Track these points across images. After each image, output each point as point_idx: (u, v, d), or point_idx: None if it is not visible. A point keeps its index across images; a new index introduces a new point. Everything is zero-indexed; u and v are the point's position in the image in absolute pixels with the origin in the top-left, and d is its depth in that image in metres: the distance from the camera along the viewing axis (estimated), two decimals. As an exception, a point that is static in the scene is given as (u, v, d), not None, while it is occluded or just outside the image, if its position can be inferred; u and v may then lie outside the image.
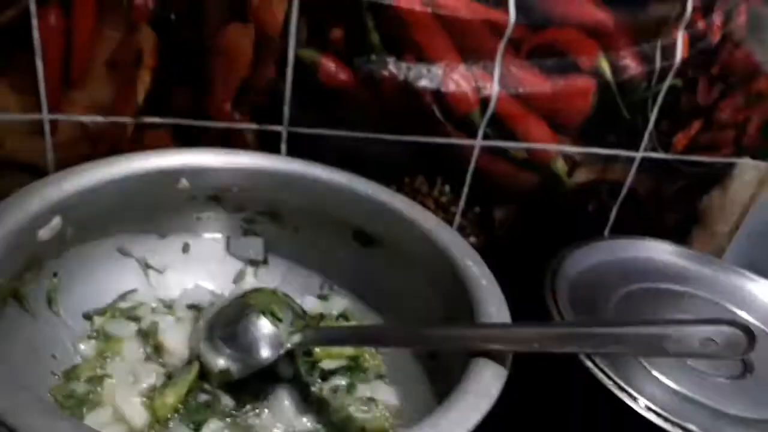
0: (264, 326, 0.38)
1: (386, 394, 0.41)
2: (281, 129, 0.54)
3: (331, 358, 0.42)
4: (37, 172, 0.49)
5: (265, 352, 0.38)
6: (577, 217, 0.68)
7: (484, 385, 0.30)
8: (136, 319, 0.41)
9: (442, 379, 0.39)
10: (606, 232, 0.71)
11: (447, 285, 0.41)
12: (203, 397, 0.37)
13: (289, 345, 0.38)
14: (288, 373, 0.40)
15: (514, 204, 0.65)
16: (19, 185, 0.42)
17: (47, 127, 0.48)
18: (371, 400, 0.39)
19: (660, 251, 0.64)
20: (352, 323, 0.46)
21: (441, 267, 0.42)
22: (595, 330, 0.31)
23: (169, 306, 0.44)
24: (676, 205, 0.71)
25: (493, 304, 0.36)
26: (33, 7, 0.44)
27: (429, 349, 0.40)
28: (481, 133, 0.59)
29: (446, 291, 0.42)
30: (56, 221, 0.36)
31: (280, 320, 0.39)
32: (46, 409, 0.24)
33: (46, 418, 0.23)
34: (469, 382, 0.30)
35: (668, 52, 0.60)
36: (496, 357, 0.33)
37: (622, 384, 0.42)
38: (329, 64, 0.52)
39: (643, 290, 0.59)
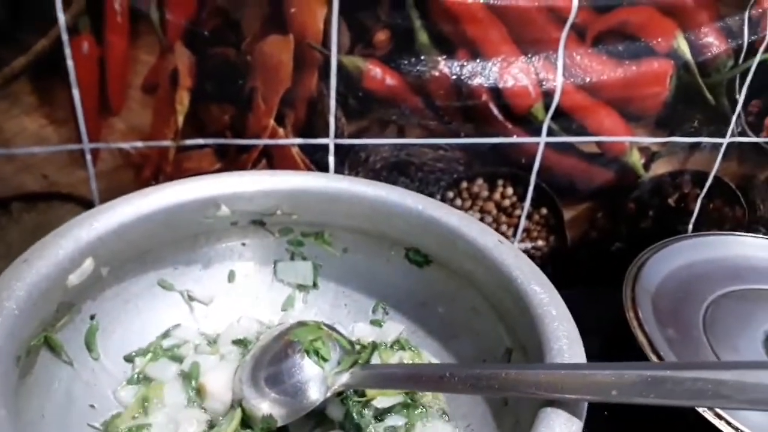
0: (308, 368, 0.35)
1: (447, 433, 0.37)
2: (328, 141, 0.51)
3: (385, 395, 0.38)
4: (82, 202, 0.48)
5: (311, 395, 0.35)
6: (656, 214, 0.63)
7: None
8: (178, 359, 0.39)
9: (510, 422, 0.35)
10: (690, 229, 0.64)
11: (511, 312, 0.37)
12: (246, 446, 0.34)
13: (336, 387, 0.35)
14: (338, 415, 0.37)
15: (586, 203, 0.60)
16: (64, 216, 0.42)
17: (89, 157, 0.47)
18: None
19: (754, 248, 0.58)
20: (408, 354, 0.42)
21: (504, 292, 0.37)
22: (693, 374, 0.26)
23: (213, 341, 0.42)
24: (771, 195, 0.64)
25: (564, 339, 0.32)
26: (65, 36, 0.43)
27: (489, 395, 0.36)
28: (545, 128, 0.54)
29: (511, 319, 0.38)
30: (88, 264, 0.35)
31: (325, 360, 0.36)
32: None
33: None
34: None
35: (756, 24, 0.54)
36: (568, 407, 0.28)
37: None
38: (375, 70, 0.49)
39: (737, 294, 0.54)
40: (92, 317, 0.37)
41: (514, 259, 0.38)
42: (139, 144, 0.48)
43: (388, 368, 0.37)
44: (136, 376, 0.38)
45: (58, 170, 0.47)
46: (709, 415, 0.38)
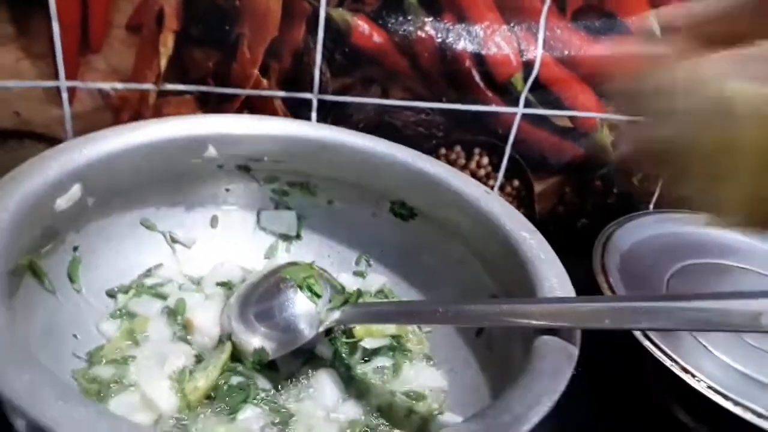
0: (301, 302, 0.35)
1: (432, 377, 0.38)
2: (311, 96, 0.51)
3: (372, 336, 0.38)
4: (55, 142, 0.46)
5: (303, 330, 0.35)
6: (621, 191, 0.65)
7: (556, 366, 0.27)
8: (162, 296, 0.38)
9: (494, 362, 0.35)
10: (651, 207, 0.67)
11: (498, 259, 0.38)
12: (237, 380, 0.34)
13: (328, 322, 0.35)
14: (327, 354, 0.37)
15: (555, 177, 0.61)
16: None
17: (65, 95, 0.45)
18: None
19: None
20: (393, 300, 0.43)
21: (491, 240, 0.38)
22: (672, 305, 0.28)
23: (197, 283, 0.41)
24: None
25: (556, 279, 0.33)
26: (48, -35, 0.41)
27: (484, 326, 0.36)
28: (522, 99, 0.55)
29: (497, 266, 0.38)
30: (75, 190, 0.33)
31: (318, 296, 0.35)
32: (66, 393, 0.21)
33: (66, 404, 0.21)
34: (539, 363, 0.27)
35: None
36: (564, 335, 0.29)
37: (684, 364, 0.39)
38: (363, 26, 0.49)
39: (696, 266, 0.56)
40: (75, 249, 0.36)
41: (500, 207, 0.39)
42: (119, 85, 0.46)
43: (379, 305, 0.37)
44: (119, 311, 0.37)
45: (32, 107, 0.45)
46: (647, 344, 0.40)
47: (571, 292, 0.33)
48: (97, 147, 0.35)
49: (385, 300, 0.41)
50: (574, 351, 0.28)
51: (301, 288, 0.35)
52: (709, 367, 0.41)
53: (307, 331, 0.35)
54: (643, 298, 0.29)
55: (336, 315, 0.35)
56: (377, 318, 0.35)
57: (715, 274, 0.56)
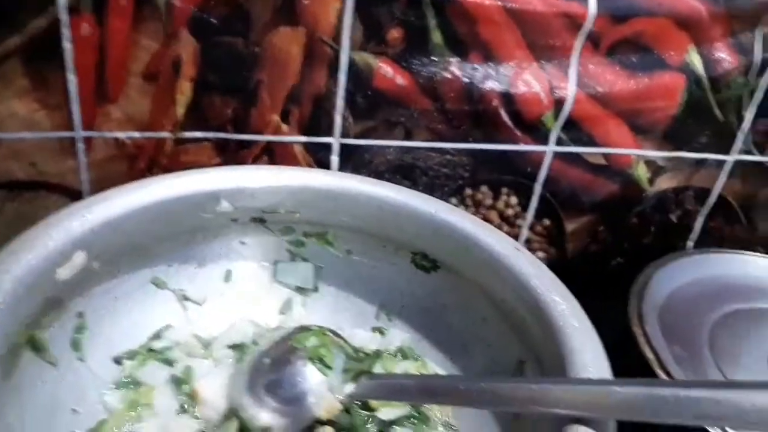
0: (312, 376, 0.33)
1: (455, 451, 0.35)
2: (332, 141, 0.49)
3: (390, 406, 0.36)
4: (70, 193, 0.46)
5: (313, 406, 0.33)
6: (658, 230, 0.62)
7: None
8: (169, 362, 0.37)
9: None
10: (691, 245, 0.64)
11: (527, 323, 0.35)
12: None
13: (341, 398, 0.33)
14: (346, 423, 0.34)
15: (588, 215, 0.59)
16: (50, 207, 0.39)
17: (80, 145, 0.44)
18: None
19: (757, 267, 0.57)
20: (413, 364, 0.40)
21: (520, 302, 0.36)
22: (731, 395, 0.24)
23: (207, 345, 0.39)
24: (774, 215, 0.64)
25: (590, 353, 0.30)
26: (64, 16, 0.40)
27: (510, 411, 0.34)
28: (554, 137, 0.53)
29: (526, 330, 0.36)
30: (79, 257, 0.32)
31: (330, 368, 0.33)
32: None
33: None
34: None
35: (768, 42, 0.53)
36: (596, 425, 0.27)
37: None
38: (386, 68, 0.47)
39: (741, 312, 0.53)
40: (80, 315, 0.35)
41: (532, 267, 0.36)
42: (136, 134, 0.45)
43: (397, 379, 0.35)
44: (124, 379, 0.36)
45: (47, 158, 0.44)
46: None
47: (605, 368, 0.30)
48: (102, 211, 0.33)
49: (403, 374, 0.39)
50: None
51: (311, 360, 0.33)
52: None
53: (318, 408, 0.33)
54: (690, 385, 0.26)
55: (350, 389, 0.33)
56: (394, 395, 0.33)
57: (761, 320, 0.53)
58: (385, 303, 0.44)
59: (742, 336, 0.50)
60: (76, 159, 0.45)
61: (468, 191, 0.55)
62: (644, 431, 0.29)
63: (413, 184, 0.53)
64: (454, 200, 0.55)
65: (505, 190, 0.56)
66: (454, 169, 0.53)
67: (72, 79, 0.42)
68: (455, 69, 0.48)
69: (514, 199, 0.57)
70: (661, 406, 0.25)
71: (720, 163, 0.59)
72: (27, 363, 0.30)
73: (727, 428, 0.34)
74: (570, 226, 0.59)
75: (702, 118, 0.56)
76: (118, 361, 0.37)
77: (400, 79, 0.48)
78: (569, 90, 0.51)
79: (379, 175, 0.51)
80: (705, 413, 0.25)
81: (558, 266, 0.60)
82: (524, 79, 0.50)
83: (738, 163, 0.59)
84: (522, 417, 0.34)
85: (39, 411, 0.30)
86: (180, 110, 0.45)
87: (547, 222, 0.59)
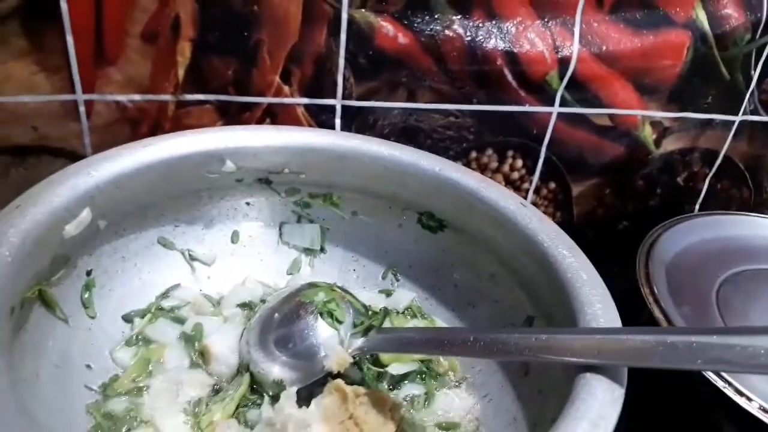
0: (323, 330, 0.33)
1: (465, 405, 0.35)
2: (335, 102, 0.48)
3: (400, 361, 0.36)
4: (73, 157, 0.45)
5: (325, 360, 0.33)
6: (664, 192, 0.61)
7: (600, 411, 0.24)
8: (179, 320, 0.37)
9: (531, 392, 0.33)
10: (697, 209, 0.63)
11: (535, 279, 0.35)
12: (255, 413, 0.32)
13: (351, 351, 0.33)
14: (357, 377, 0.35)
15: (594, 178, 0.58)
16: (54, 171, 0.39)
17: (82, 109, 0.44)
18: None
19: (763, 228, 0.57)
20: (421, 322, 0.40)
21: (528, 258, 0.35)
22: (736, 340, 0.24)
23: (216, 303, 0.39)
24: (782, 175, 0.63)
25: (599, 304, 0.30)
26: (60, -23, 0.40)
27: (520, 360, 0.34)
28: (558, 98, 0.52)
29: (535, 286, 0.35)
30: (85, 214, 0.32)
31: (340, 322, 0.33)
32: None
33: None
34: (581, 407, 0.24)
35: (776, -3, 0.53)
36: (608, 372, 0.26)
37: (738, 385, 0.37)
38: (387, 27, 0.46)
39: (748, 273, 0.53)
40: (89, 273, 0.35)
41: (538, 222, 0.36)
42: (137, 97, 0.45)
43: (407, 332, 0.35)
44: (134, 337, 0.36)
45: (49, 122, 0.44)
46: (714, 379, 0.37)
47: (615, 319, 0.30)
48: (107, 169, 0.33)
49: (412, 327, 0.38)
50: (620, 393, 0.26)
51: (321, 314, 0.33)
52: (764, 387, 0.38)
53: (329, 361, 0.33)
54: (700, 332, 0.26)
55: (360, 342, 0.33)
56: (404, 347, 0.33)
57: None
58: (393, 263, 0.44)
59: (749, 296, 0.50)
60: (79, 123, 0.44)
61: (473, 154, 0.54)
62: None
63: (418, 146, 0.52)
64: (459, 163, 0.54)
65: (510, 152, 0.55)
66: (459, 131, 0.53)
67: (70, 41, 0.41)
68: (458, 27, 0.48)
69: (519, 162, 0.56)
70: (671, 352, 0.25)
71: (727, 124, 0.58)
72: (39, 318, 0.30)
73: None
74: (576, 189, 0.59)
75: (708, 77, 0.55)
76: (127, 319, 0.37)
77: (402, 38, 0.47)
78: (573, 49, 0.50)
79: (383, 137, 0.50)
80: (715, 358, 0.25)
81: (564, 230, 0.60)
82: (528, 37, 0.49)
83: (745, 124, 0.59)
84: (531, 373, 0.34)
85: (52, 366, 0.30)
86: (180, 72, 0.45)
87: (553, 185, 0.58)
